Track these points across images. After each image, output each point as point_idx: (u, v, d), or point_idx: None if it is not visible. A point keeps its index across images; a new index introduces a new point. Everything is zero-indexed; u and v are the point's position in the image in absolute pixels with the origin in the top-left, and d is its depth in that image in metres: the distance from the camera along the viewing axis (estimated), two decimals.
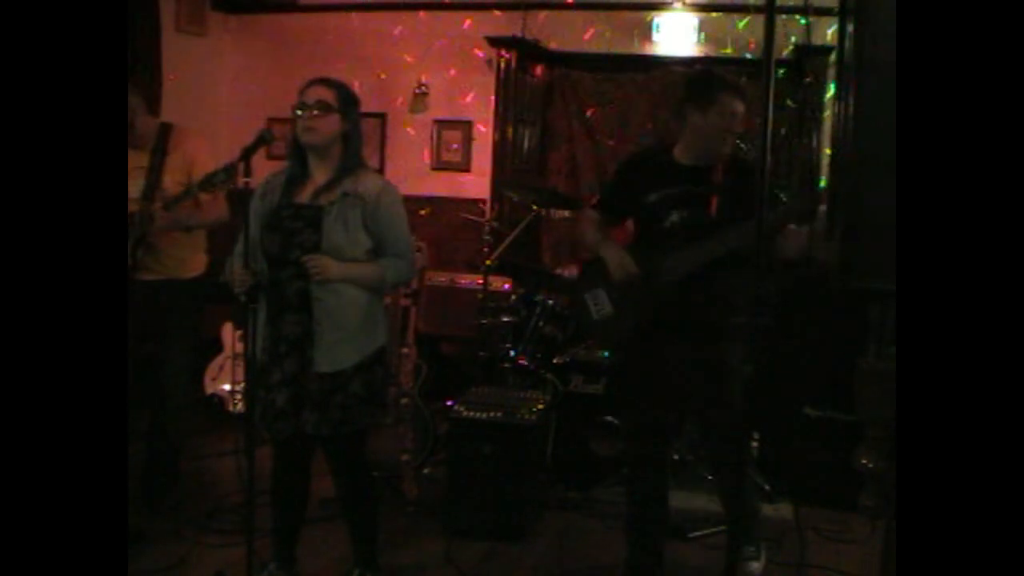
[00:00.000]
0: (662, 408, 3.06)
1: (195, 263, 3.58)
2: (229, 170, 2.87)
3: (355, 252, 2.72)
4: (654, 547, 3.14)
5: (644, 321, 2.96)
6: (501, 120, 5.52)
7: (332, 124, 2.74)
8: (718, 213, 2.88)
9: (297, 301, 2.71)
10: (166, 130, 3.51)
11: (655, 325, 2.93)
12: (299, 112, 2.72)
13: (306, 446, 2.86)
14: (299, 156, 2.80)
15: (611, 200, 3.17)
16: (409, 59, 5.76)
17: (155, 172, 3.40)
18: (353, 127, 2.80)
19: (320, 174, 2.78)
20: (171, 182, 3.41)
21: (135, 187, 3.35)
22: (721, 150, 2.92)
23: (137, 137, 3.42)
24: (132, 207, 3.31)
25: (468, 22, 5.65)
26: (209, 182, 3.02)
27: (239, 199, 2.73)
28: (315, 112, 2.71)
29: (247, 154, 2.63)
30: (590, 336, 4.08)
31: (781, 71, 5.01)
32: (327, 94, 2.74)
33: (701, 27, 5.36)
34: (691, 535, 3.60)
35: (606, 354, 4.23)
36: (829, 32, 5.01)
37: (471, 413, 3.63)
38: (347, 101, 2.78)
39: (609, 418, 4.09)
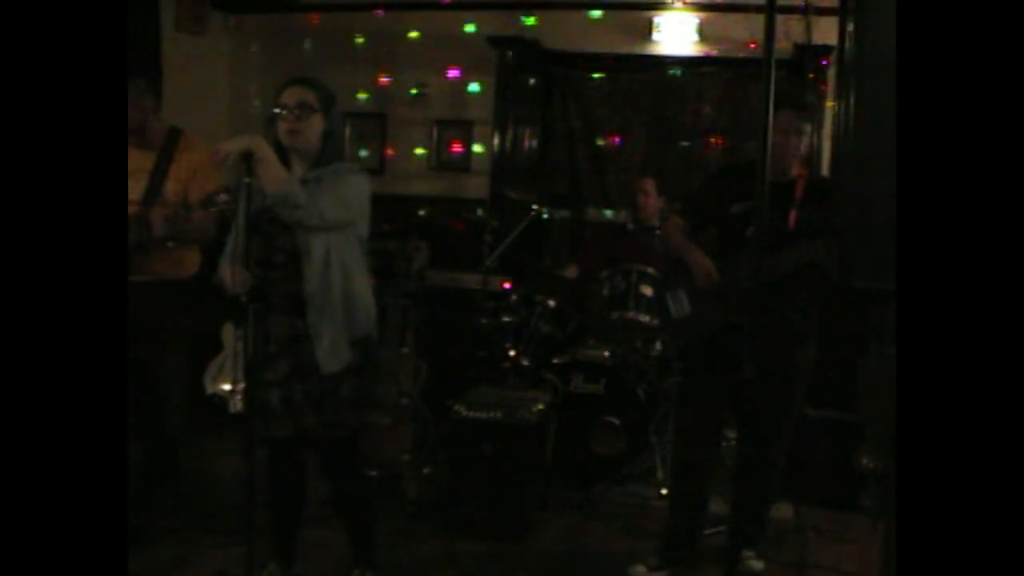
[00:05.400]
0: (726, 408, 3.19)
1: (188, 262, 3.57)
2: (232, 192, 2.85)
3: (337, 215, 2.66)
4: (692, 548, 3.25)
5: (720, 323, 3.10)
6: (501, 120, 5.51)
7: (315, 125, 2.72)
8: (796, 226, 3.04)
9: (285, 302, 2.70)
10: (175, 135, 3.49)
11: (730, 327, 3.03)
12: (281, 113, 2.69)
13: (300, 446, 2.86)
14: (280, 158, 2.72)
15: (696, 209, 3.34)
16: (409, 59, 5.75)
17: (158, 176, 3.39)
18: (333, 126, 2.78)
19: (300, 174, 2.76)
20: (172, 189, 3.40)
21: (136, 189, 3.34)
22: (781, 165, 3.06)
23: (145, 138, 3.41)
24: (131, 208, 3.30)
25: (468, 22, 5.64)
26: (211, 201, 3.00)
27: (235, 200, 2.71)
28: (298, 114, 2.68)
29: (247, 155, 2.62)
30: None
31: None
32: (308, 95, 2.71)
33: (701, 27, 5.35)
34: None
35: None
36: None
37: (471, 413, 3.62)
38: (328, 100, 2.75)
39: (610, 418, 4.10)
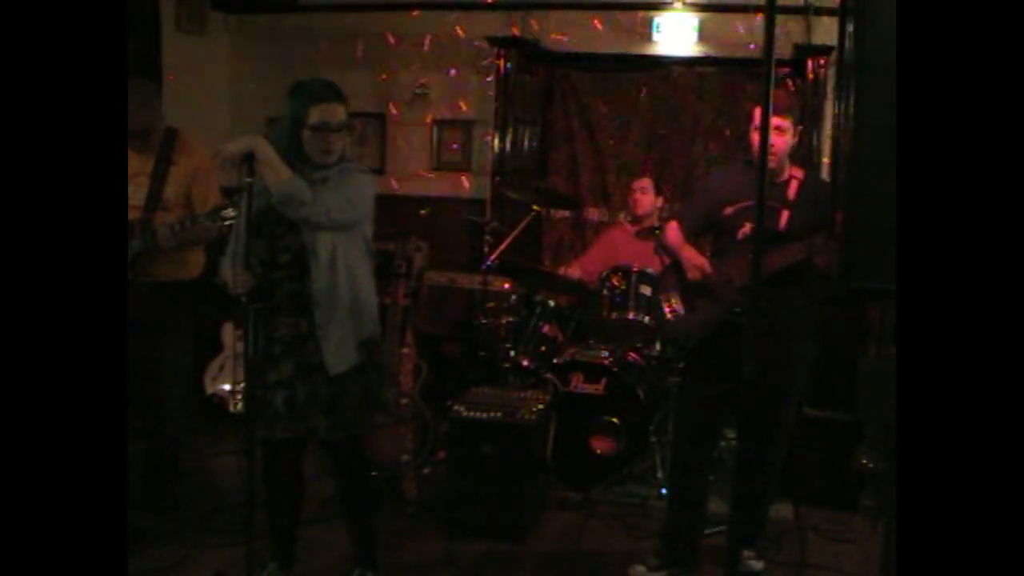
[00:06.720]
0: (726, 408, 3.18)
1: (193, 264, 3.57)
2: (236, 205, 2.85)
3: (343, 215, 2.67)
4: (691, 549, 3.25)
5: (714, 324, 3.11)
6: (501, 120, 5.51)
7: (347, 136, 2.76)
8: (788, 226, 3.04)
9: (289, 303, 2.71)
10: (171, 136, 3.48)
11: (729, 327, 3.03)
12: (326, 132, 2.66)
13: (298, 447, 2.86)
14: (299, 166, 2.70)
15: (692, 212, 3.36)
16: (409, 59, 5.75)
17: (158, 181, 3.38)
18: None
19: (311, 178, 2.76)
20: (173, 193, 3.40)
21: (138, 195, 3.33)
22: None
23: (147, 142, 3.40)
24: (133, 214, 3.30)
25: (468, 22, 5.64)
26: (218, 215, 2.99)
27: (237, 200, 2.72)
28: (344, 133, 2.70)
29: (248, 158, 2.62)
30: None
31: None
32: (343, 110, 2.71)
33: (701, 27, 5.35)
34: None
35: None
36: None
37: (471, 413, 3.62)
38: None
39: (610, 418, 4.10)
